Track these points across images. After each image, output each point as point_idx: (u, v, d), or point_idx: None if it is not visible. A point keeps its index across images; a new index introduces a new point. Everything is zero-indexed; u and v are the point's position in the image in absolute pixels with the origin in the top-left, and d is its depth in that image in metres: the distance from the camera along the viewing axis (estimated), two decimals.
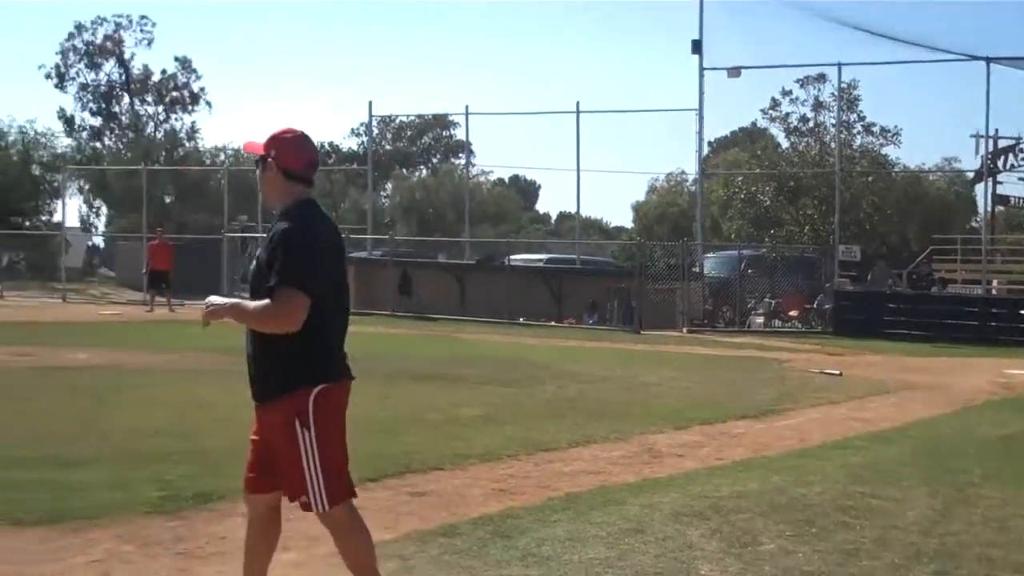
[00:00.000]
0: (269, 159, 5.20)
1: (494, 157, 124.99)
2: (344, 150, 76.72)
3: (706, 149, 42.83)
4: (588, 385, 16.77)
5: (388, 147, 79.71)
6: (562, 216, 77.41)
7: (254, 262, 5.18)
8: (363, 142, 69.33)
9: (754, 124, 56.10)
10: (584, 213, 46.39)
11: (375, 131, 55.34)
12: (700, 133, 35.71)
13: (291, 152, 5.22)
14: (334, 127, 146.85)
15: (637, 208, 65.44)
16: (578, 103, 37.00)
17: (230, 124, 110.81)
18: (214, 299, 5.19)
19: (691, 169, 44.03)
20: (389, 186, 73.39)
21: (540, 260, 40.58)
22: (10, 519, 7.35)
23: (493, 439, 11.06)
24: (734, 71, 35.07)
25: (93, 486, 8.36)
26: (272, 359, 5.04)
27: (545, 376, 17.70)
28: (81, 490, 8.22)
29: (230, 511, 7.68)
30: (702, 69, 34.54)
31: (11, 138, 61.59)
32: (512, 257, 40.55)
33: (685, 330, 30.65)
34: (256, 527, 5.43)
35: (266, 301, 4.93)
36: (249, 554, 5.47)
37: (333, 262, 5.18)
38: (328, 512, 5.10)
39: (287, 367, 5.00)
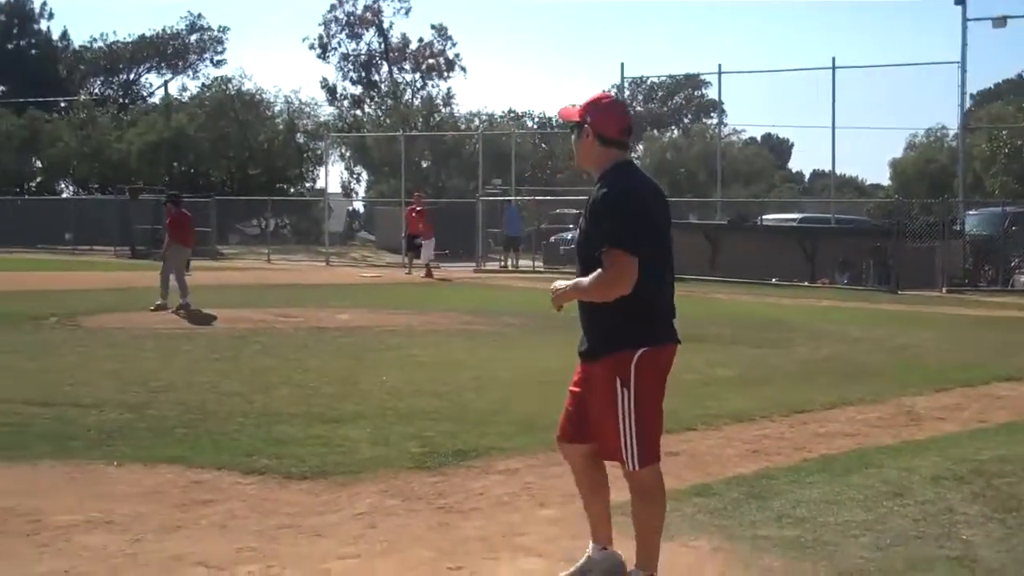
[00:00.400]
0: (585, 125, 5.26)
1: (746, 116, 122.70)
2: None
3: (968, 103, 41.15)
4: (843, 346, 16.43)
5: (639, 108, 79.43)
6: (816, 174, 75.78)
7: (578, 231, 5.23)
8: None
9: (1020, 76, 53.63)
10: (839, 171, 45.34)
11: (627, 92, 55.10)
12: (962, 86, 34.38)
13: (607, 117, 5.27)
14: (586, 89, 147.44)
15: (894, 165, 63.31)
16: (834, 59, 36.23)
17: (484, 89, 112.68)
18: (559, 283, 5.22)
19: (952, 124, 42.35)
20: (640, 147, 73.22)
21: (793, 220, 39.83)
22: (280, 473, 7.69)
23: (747, 400, 10.96)
24: (1000, 21, 33.60)
25: (357, 442, 8.66)
26: (600, 318, 5.09)
27: (799, 337, 17.42)
28: (345, 446, 8.53)
29: (488, 468, 7.87)
30: (965, 20, 33.21)
31: (277, 108, 64.19)
32: (764, 217, 39.96)
33: (944, 290, 29.62)
34: (580, 475, 5.51)
35: (599, 271, 4.98)
36: (586, 501, 5.56)
37: (657, 221, 5.16)
38: (636, 471, 5.13)
39: (614, 327, 5.04)
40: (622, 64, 44.33)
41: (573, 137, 5.39)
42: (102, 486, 7.39)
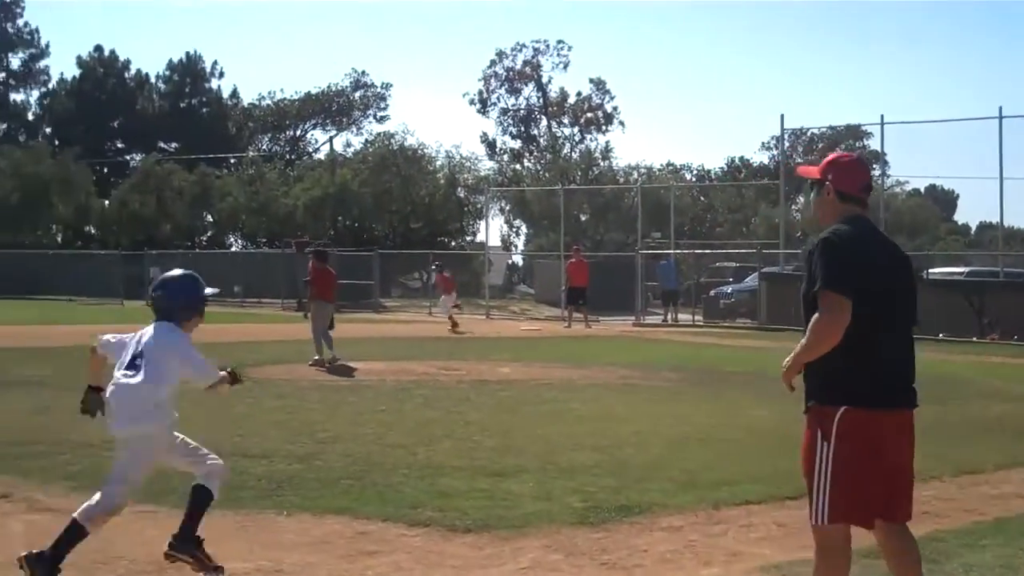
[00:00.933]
0: (826, 183, 5.34)
1: (910, 167, 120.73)
2: (755, 164, 76.27)
3: None
4: (1015, 404, 15.92)
5: (799, 160, 78.52)
6: (983, 226, 73.85)
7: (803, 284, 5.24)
8: (774, 155, 68.58)
9: None
10: (1007, 223, 44.10)
11: (787, 144, 54.56)
12: None
13: (847, 175, 5.36)
14: (744, 141, 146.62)
15: None
16: (1000, 108, 35.16)
17: (642, 142, 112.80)
18: (786, 361, 5.21)
19: None
20: (800, 200, 72.32)
21: (960, 273, 38.82)
22: (445, 525, 7.77)
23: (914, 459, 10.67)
24: None
25: (519, 496, 8.70)
26: (818, 367, 5.07)
27: (968, 394, 16.95)
28: (508, 500, 8.58)
29: (652, 524, 7.84)
30: None
31: (438, 162, 65.14)
32: (930, 270, 39.05)
33: None
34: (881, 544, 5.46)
35: (813, 317, 4.99)
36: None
37: (881, 271, 5.13)
38: (820, 526, 5.09)
39: (825, 378, 5.03)
40: (782, 116, 44.33)
41: (812, 195, 5.48)
42: (272, 535, 7.57)
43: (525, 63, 75.85)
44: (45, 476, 9.44)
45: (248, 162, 71.16)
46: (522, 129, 77.36)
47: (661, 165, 69.03)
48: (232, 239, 73.03)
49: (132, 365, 6.47)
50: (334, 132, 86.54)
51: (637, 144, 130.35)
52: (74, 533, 6.38)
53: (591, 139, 75.23)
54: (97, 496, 6.50)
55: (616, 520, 7.98)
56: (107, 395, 6.59)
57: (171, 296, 6.75)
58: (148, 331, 6.62)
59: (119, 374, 6.52)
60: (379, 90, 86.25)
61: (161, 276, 6.99)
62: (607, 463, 10.17)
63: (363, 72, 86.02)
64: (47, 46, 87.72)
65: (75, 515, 6.43)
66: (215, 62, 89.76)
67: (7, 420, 12.59)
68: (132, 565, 6.85)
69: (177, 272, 7.04)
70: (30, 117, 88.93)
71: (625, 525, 7.87)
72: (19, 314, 37.72)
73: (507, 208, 66.38)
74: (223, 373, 6.72)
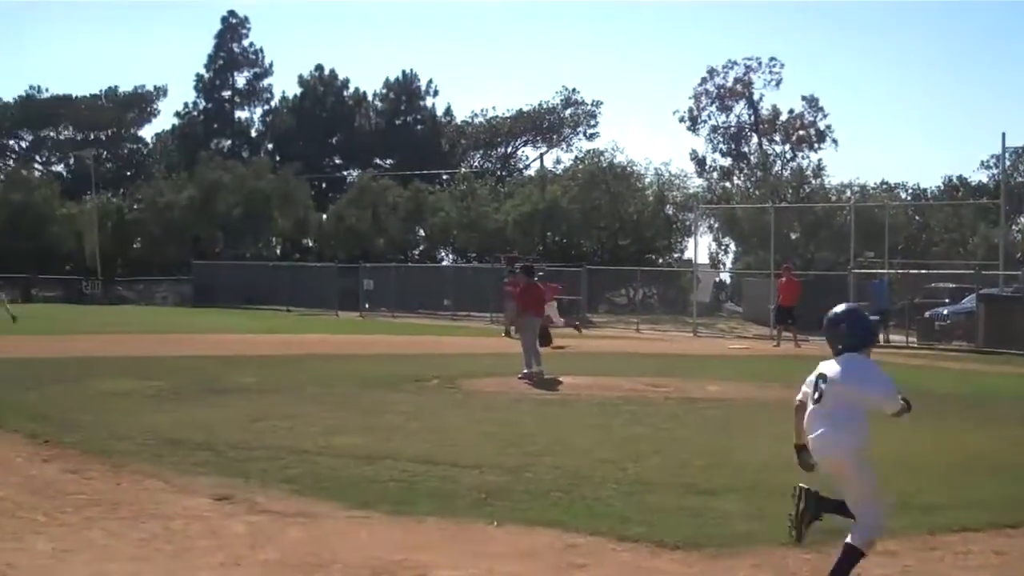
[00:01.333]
0: None
1: None
2: (973, 183, 73.81)
3: None
4: None
5: (1021, 179, 75.75)
6: None
7: None
8: (994, 175, 66.30)
9: None
10: None
11: (1007, 162, 52.59)
12: None
13: None
14: (962, 160, 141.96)
15: None
16: None
17: (855, 160, 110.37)
18: None
19: None
20: (1022, 220, 69.72)
21: None
22: (653, 541, 7.78)
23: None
24: None
25: (729, 515, 8.65)
26: None
27: None
28: (718, 518, 8.54)
29: None
30: None
31: (647, 180, 65.09)
32: None
33: None
34: None
35: None
36: None
37: None
38: None
39: None
40: (1003, 134, 42.77)
41: None
42: (482, 545, 7.69)
43: (736, 80, 75.14)
44: (264, 479, 9.78)
45: (460, 178, 72.36)
46: (732, 146, 76.61)
47: (875, 183, 67.29)
48: (443, 253, 74.30)
49: (821, 400, 6.91)
50: (544, 149, 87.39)
51: (850, 162, 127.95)
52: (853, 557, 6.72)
53: (802, 156, 74.03)
54: (861, 527, 6.81)
55: (828, 542, 7.84)
56: (810, 436, 6.95)
57: (854, 329, 7.10)
58: (833, 365, 6.99)
59: (814, 408, 6.99)
60: (589, 107, 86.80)
61: (833, 313, 7.27)
62: (818, 484, 9.98)
63: (574, 90, 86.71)
64: (271, 65, 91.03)
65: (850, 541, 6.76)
66: (430, 80, 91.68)
67: (227, 426, 13.08)
68: (346, 569, 7.05)
69: (843, 307, 7.37)
70: (253, 134, 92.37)
71: (838, 548, 7.72)
72: (238, 323, 39.19)
73: (716, 225, 65.78)
74: (902, 401, 6.92)
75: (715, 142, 76.52)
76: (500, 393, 17.53)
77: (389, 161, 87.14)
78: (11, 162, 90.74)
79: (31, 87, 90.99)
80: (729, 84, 75.36)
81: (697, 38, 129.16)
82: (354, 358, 24.32)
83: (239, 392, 16.61)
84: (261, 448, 11.43)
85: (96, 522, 8.19)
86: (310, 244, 76.66)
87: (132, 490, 9.34)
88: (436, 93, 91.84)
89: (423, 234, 72.49)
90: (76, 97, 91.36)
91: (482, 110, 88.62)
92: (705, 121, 76.29)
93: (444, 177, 78.96)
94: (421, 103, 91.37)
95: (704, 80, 75.78)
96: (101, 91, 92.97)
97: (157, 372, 19.37)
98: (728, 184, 72.48)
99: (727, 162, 76.36)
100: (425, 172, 75.46)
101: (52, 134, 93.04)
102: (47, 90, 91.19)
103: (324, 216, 73.89)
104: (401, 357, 24.50)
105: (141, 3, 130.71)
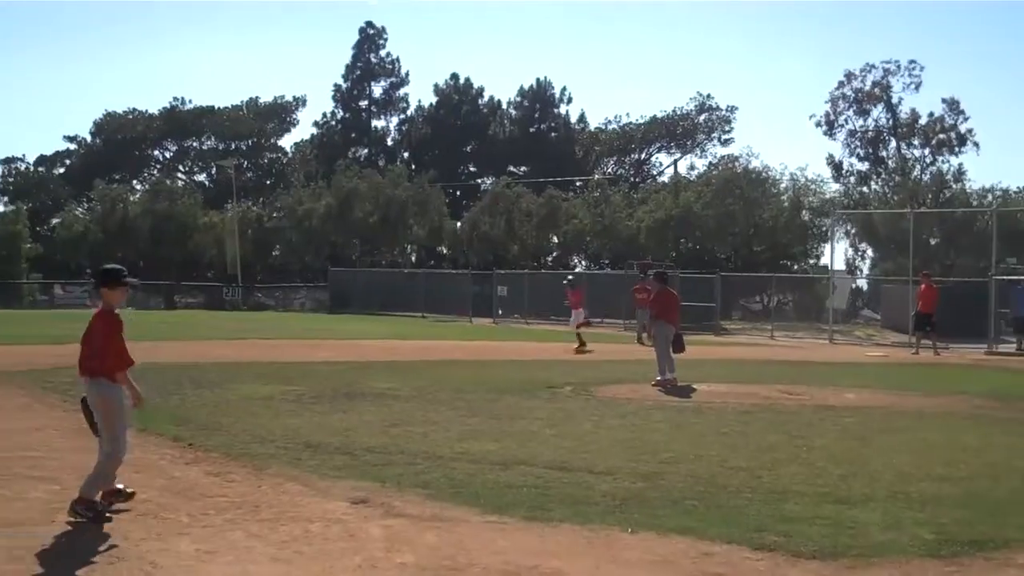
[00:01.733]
0: None
1: None
2: None
3: None
4: None
5: None
6: None
7: None
8: None
9: None
10: None
11: None
12: None
13: None
14: None
15: None
16: None
17: (998, 165, 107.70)
18: None
19: None
20: None
21: None
22: (789, 551, 7.72)
23: None
24: None
25: (866, 525, 8.54)
26: None
27: None
28: (855, 527, 8.43)
29: (1008, 560, 7.56)
30: None
31: (783, 185, 64.39)
32: None
33: None
34: None
35: None
36: None
37: None
38: None
39: None
40: None
41: None
42: (617, 551, 7.72)
43: (875, 84, 73.87)
44: (400, 484, 9.92)
45: (594, 185, 72.49)
46: (870, 151, 75.32)
47: (1018, 188, 65.64)
48: (576, 260, 74.42)
49: None
50: (678, 155, 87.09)
51: (992, 165, 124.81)
52: None
53: (942, 160, 72.51)
54: None
55: (969, 554, 7.72)
56: None
57: None
58: None
59: None
60: (724, 113, 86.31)
61: None
62: (959, 495, 9.82)
63: (708, 95, 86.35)
64: (407, 75, 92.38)
65: None
66: (564, 88, 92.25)
67: (364, 430, 13.29)
68: (482, 573, 7.13)
69: None
70: (389, 142, 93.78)
71: (979, 560, 7.61)
72: (374, 329, 39.77)
73: (853, 231, 64.81)
74: None
75: (852, 146, 75.27)
76: (633, 400, 17.51)
77: (523, 168, 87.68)
78: (156, 172, 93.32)
79: (175, 99, 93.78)
80: (867, 88, 74.12)
81: (834, 41, 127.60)
82: (487, 364, 24.51)
83: (375, 397, 16.85)
84: (397, 453, 11.59)
85: (238, 524, 8.40)
86: (444, 251, 77.49)
87: (272, 493, 9.55)
88: (570, 100, 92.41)
89: (556, 241, 72.69)
90: (218, 108, 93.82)
91: (616, 117, 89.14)
92: (842, 125, 75.12)
93: (578, 184, 79.24)
94: (555, 110, 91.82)
95: (841, 84, 74.69)
96: (242, 102, 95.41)
97: (296, 377, 19.77)
98: (865, 189, 71.41)
99: (864, 167, 75.11)
100: (559, 179, 75.74)
101: (195, 144, 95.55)
102: (190, 102, 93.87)
103: (459, 223, 74.59)
104: (534, 363, 24.63)
105: (281, 16, 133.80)
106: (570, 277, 39.58)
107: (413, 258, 77.04)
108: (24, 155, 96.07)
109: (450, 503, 9.15)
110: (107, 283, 8.89)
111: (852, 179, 74.01)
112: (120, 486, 8.87)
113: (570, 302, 33.27)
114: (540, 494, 9.51)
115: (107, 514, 8.45)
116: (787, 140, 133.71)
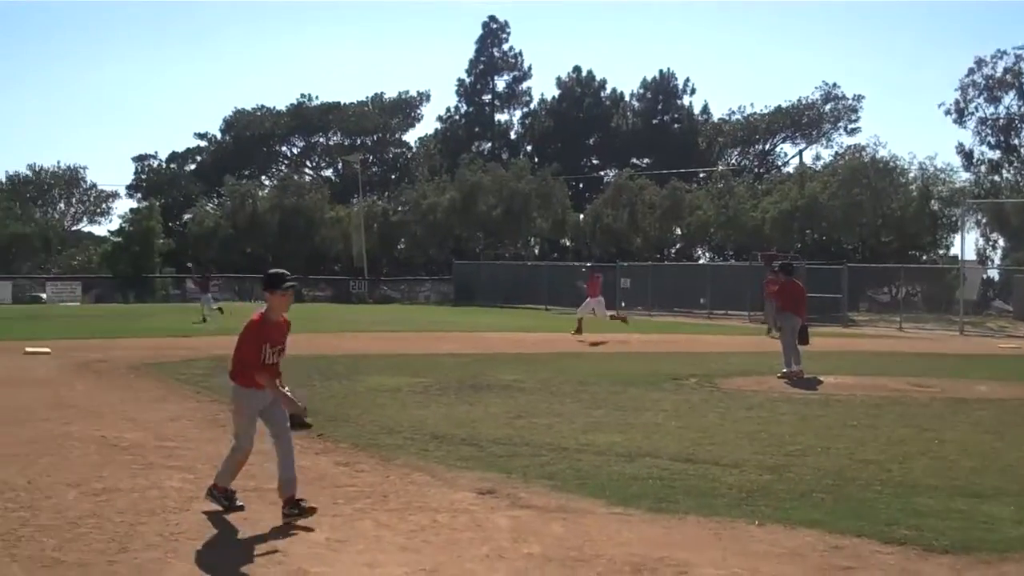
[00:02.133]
0: None
1: None
2: None
3: None
4: None
5: None
6: None
7: None
8: None
9: None
10: None
11: None
12: None
13: None
14: None
15: None
16: None
17: None
18: None
19: None
20: None
21: None
22: (920, 545, 7.61)
23: None
24: None
25: (1000, 519, 8.38)
26: None
27: None
28: (988, 522, 8.28)
29: None
30: None
31: (911, 174, 63.19)
32: None
33: None
34: None
35: None
36: None
37: None
38: None
39: None
40: None
41: None
42: (744, 544, 7.68)
43: (1007, 70, 72.04)
44: (526, 475, 9.98)
45: (718, 176, 71.94)
46: (1001, 139, 73.50)
47: None
48: (700, 252, 73.97)
49: None
50: (803, 145, 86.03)
51: None
52: None
53: None
54: None
55: None
56: None
57: None
58: None
59: None
60: (850, 102, 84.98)
61: None
62: None
63: (834, 84, 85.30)
64: (529, 68, 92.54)
65: None
66: (687, 79, 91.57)
67: (489, 422, 13.39)
68: (609, 564, 7.14)
69: None
70: (512, 136, 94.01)
71: None
72: (498, 321, 39.97)
73: (984, 221, 63.38)
74: None
75: (983, 134, 73.47)
76: (759, 392, 17.37)
77: (646, 160, 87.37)
78: (284, 168, 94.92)
79: (302, 95, 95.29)
80: (998, 75, 72.32)
81: (963, 28, 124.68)
82: (611, 356, 24.52)
83: (500, 389, 16.95)
84: (522, 444, 11.67)
85: (367, 513, 8.52)
86: (568, 243, 77.53)
87: (400, 483, 9.68)
88: (693, 92, 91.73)
89: (680, 232, 72.30)
90: (344, 104, 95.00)
91: (739, 107, 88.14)
92: (972, 113, 73.37)
93: (701, 175, 78.72)
94: (678, 102, 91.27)
95: (971, 71, 72.93)
96: (367, 98, 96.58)
97: (422, 369, 19.97)
98: (997, 178, 69.71)
99: (996, 155, 73.29)
100: (682, 171, 75.31)
101: (322, 140, 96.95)
102: (317, 98, 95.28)
103: (581, 216, 74.62)
104: (658, 355, 24.55)
105: (405, 12, 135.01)
106: (589, 264, 39.55)
107: (536, 251, 77.19)
108: (157, 152, 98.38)
109: (576, 494, 9.19)
110: (265, 287, 8.76)
111: (983, 168, 72.32)
112: (301, 500, 8.37)
113: (589, 289, 32.69)
114: (665, 486, 9.51)
115: (239, 503, 8.60)
116: (915, 129, 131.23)
